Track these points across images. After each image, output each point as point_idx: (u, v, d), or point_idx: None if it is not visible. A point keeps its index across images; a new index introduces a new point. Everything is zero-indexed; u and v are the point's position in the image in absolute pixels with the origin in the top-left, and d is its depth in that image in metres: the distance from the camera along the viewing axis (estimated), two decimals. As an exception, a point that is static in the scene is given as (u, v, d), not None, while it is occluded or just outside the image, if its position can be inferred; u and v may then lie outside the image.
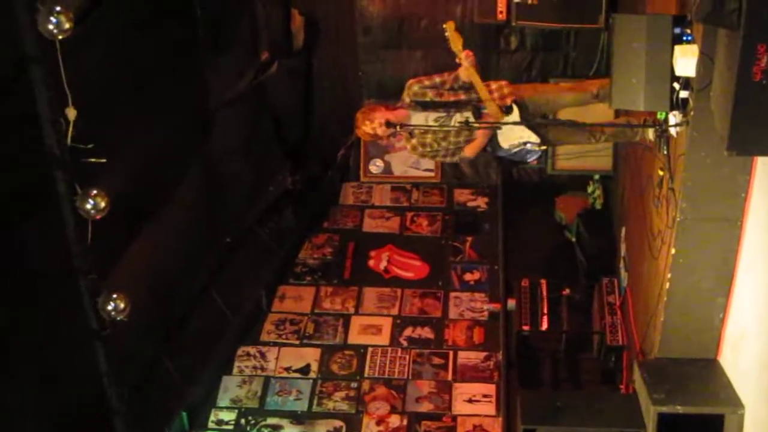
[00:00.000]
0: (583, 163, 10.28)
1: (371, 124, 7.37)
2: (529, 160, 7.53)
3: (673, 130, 6.60)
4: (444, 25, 7.20)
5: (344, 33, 11.15)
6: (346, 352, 9.58)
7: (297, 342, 9.70)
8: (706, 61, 5.74)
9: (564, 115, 7.78)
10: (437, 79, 7.50)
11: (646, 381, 6.85)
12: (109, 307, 6.48)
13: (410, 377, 9.32)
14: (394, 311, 10.01)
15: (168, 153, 7.78)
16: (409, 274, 10.49)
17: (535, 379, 9.06)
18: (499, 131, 7.29)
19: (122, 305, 6.51)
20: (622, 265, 9.04)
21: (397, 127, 7.29)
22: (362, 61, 11.25)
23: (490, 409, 8.95)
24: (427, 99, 7.41)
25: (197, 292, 9.00)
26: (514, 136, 7.35)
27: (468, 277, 10.36)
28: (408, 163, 11.56)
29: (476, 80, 7.26)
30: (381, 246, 10.84)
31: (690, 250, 6.63)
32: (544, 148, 7.51)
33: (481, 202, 11.36)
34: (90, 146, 5.98)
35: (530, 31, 10.63)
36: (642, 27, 6.31)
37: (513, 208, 11.01)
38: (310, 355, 9.54)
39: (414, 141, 7.49)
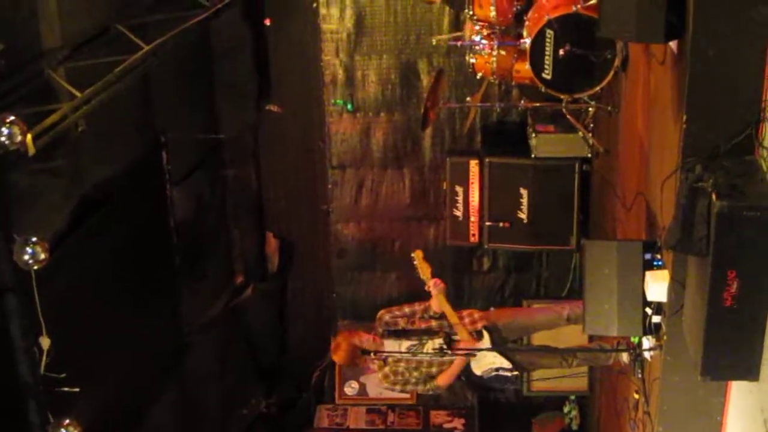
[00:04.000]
0: (559, 385, 10.21)
1: (345, 350, 7.35)
2: (505, 387, 7.50)
3: (647, 355, 6.61)
4: (412, 254, 7.28)
5: (319, 255, 11.26)
6: None
7: None
8: (677, 286, 5.80)
9: (537, 338, 7.79)
10: (407, 309, 7.53)
11: None
12: None
13: None
14: None
15: (141, 379, 7.71)
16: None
17: None
18: (472, 358, 7.28)
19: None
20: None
21: (371, 354, 7.27)
22: (336, 282, 11.32)
23: None
24: (399, 327, 7.42)
25: None
26: (486, 362, 7.34)
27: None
28: (382, 386, 11.48)
29: (447, 308, 7.28)
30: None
31: (669, 474, 6.54)
32: (516, 373, 7.49)
33: (458, 424, 11.22)
34: (63, 375, 5.93)
35: (502, 253, 10.77)
36: (613, 253, 6.40)
37: (490, 429, 10.89)
38: None
39: (387, 369, 7.45)
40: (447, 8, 9.74)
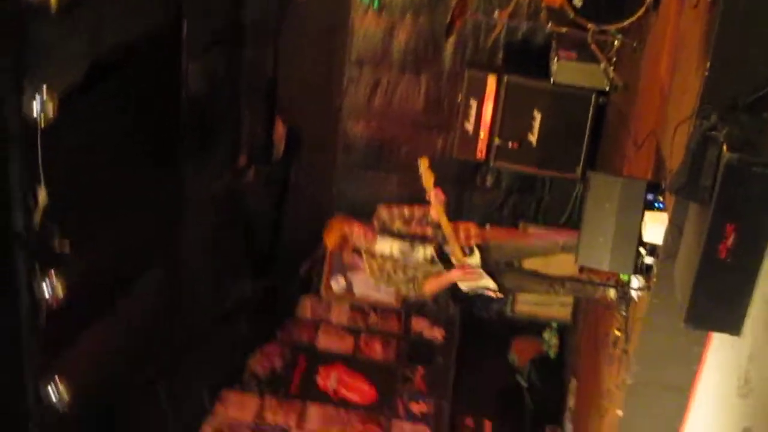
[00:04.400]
0: (543, 310, 10.35)
1: (337, 237, 7.41)
2: (488, 306, 7.55)
3: (634, 294, 6.66)
4: (419, 160, 7.26)
5: (325, 148, 11.27)
6: (282, 468, 9.47)
7: (234, 451, 9.58)
8: (674, 231, 5.81)
9: (528, 262, 7.81)
10: (406, 211, 7.53)
11: None
12: (51, 395, 6.39)
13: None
14: (336, 433, 9.91)
15: (133, 247, 7.75)
16: (355, 397, 10.41)
17: None
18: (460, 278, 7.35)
19: (65, 395, 6.42)
20: (568, 416, 9.02)
21: (362, 252, 7.32)
22: (339, 178, 11.35)
23: None
24: (394, 228, 7.44)
25: (142, 386, 8.87)
26: (474, 281, 7.38)
27: (414, 407, 10.27)
28: (370, 284, 11.54)
29: (443, 220, 7.29)
30: (331, 364, 10.78)
31: (636, 414, 6.63)
32: (500, 296, 7.55)
33: (438, 334, 11.33)
34: (56, 230, 5.97)
35: (507, 173, 10.77)
36: (616, 188, 6.42)
37: (469, 343, 11.00)
38: (244, 468, 9.40)
39: (374, 264, 7.50)
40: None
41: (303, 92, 10.74)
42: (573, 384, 9.15)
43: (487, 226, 7.77)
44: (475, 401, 10.18)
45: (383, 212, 7.59)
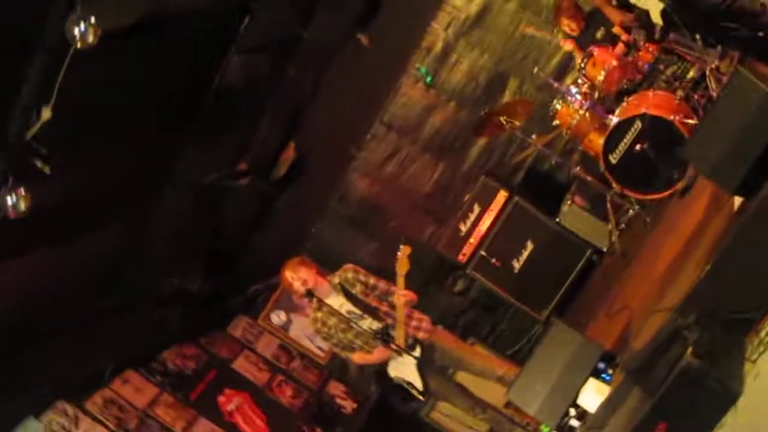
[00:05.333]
0: (456, 428, 10.25)
1: (295, 275, 7.37)
2: (406, 403, 7.49)
3: (546, 447, 6.63)
4: (401, 246, 7.21)
5: (323, 188, 11.24)
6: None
7: (114, 428, 9.40)
8: (609, 407, 5.81)
9: (461, 376, 7.78)
10: (372, 281, 7.51)
11: None
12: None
13: None
14: (215, 456, 9.79)
15: (107, 194, 7.73)
16: (247, 430, 10.29)
17: None
18: (392, 359, 7.31)
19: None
20: None
21: (314, 298, 7.28)
22: (324, 220, 11.32)
23: None
24: (353, 290, 7.41)
25: (52, 330, 8.78)
26: (404, 372, 7.35)
27: (299, 463, 10.21)
28: (307, 331, 11.48)
29: (400, 313, 7.26)
30: (239, 390, 10.67)
31: None
32: (421, 398, 7.51)
33: (349, 406, 11.23)
34: (43, 153, 5.95)
35: (478, 286, 10.72)
36: (574, 344, 6.42)
37: (373, 428, 10.90)
38: (117, 449, 9.24)
39: (319, 314, 7.46)
40: (563, 50, 9.64)
41: (326, 128, 10.77)
42: None
43: (440, 327, 7.72)
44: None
45: (349, 272, 7.57)
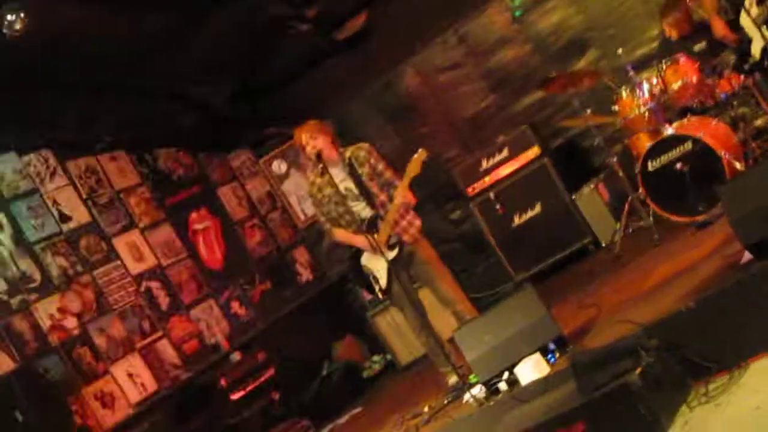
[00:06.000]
0: (394, 341, 10.36)
1: (311, 140, 7.34)
2: (364, 294, 7.50)
3: (467, 396, 6.68)
4: (420, 150, 7.15)
5: (374, 66, 11.13)
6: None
7: (83, 195, 9.46)
8: (540, 387, 5.88)
9: (423, 294, 7.81)
10: (381, 167, 7.43)
11: None
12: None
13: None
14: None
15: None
16: (204, 253, 10.41)
17: None
18: (366, 250, 7.35)
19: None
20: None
21: (320, 165, 7.26)
22: (360, 98, 11.32)
23: None
24: (359, 171, 7.38)
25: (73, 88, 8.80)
26: (375, 265, 7.38)
27: (234, 306, 10.37)
28: (300, 191, 11.53)
29: (393, 212, 7.26)
30: (213, 215, 10.77)
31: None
32: (379, 297, 7.57)
33: (306, 276, 11.43)
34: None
35: (472, 222, 10.69)
36: (535, 313, 6.47)
37: (318, 303, 11.07)
38: None
39: (318, 180, 7.45)
40: (658, 43, 9.46)
41: (402, 13, 10.58)
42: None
43: (426, 241, 7.70)
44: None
45: (363, 150, 7.48)
